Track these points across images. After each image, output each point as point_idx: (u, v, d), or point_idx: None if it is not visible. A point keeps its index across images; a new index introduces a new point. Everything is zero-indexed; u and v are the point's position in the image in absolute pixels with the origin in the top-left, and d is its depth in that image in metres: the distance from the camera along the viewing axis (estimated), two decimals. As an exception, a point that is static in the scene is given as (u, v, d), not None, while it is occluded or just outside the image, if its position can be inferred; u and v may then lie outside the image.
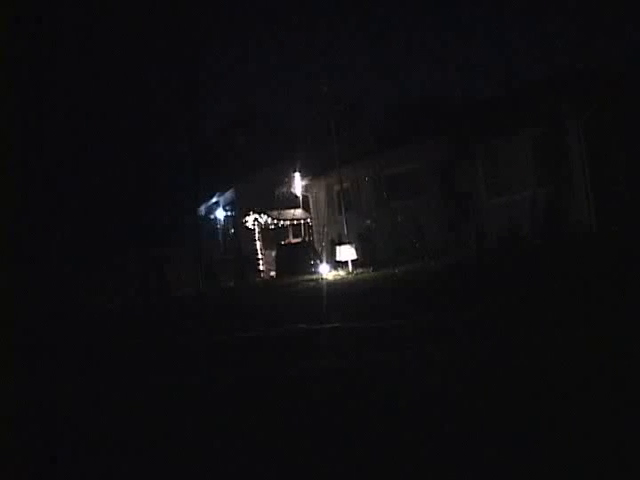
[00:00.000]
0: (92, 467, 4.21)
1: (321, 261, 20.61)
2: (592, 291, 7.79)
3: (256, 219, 23.86)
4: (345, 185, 21.83)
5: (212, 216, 29.48)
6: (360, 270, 17.95)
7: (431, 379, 5.12)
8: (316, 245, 23.49)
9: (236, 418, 4.86)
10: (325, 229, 23.49)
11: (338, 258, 19.31)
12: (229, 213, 27.94)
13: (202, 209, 30.05)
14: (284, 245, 23.61)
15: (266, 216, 23.94)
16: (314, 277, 18.36)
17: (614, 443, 3.34)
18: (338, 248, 19.72)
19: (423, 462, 3.48)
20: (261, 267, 23.76)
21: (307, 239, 24.36)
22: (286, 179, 24.88)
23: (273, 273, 23.11)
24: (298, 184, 24.88)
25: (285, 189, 24.99)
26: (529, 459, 3.30)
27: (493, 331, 6.56)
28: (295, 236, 24.95)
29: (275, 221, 24.11)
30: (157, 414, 5.35)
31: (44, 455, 4.60)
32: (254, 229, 24.02)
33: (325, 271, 18.74)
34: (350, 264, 18.63)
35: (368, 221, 20.78)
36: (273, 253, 23.41)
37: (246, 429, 4.51)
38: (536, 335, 6.02)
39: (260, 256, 23.84)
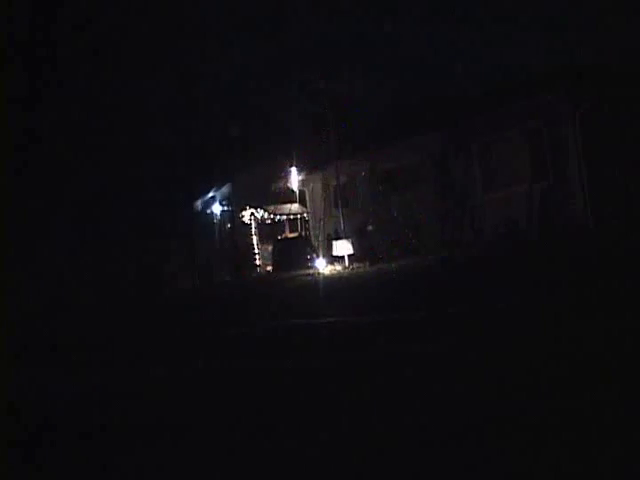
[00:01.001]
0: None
1: (317, 256, 20.61)
2: (588, 287, 7.79)
3: (253, 214, 23.81)
4: (342, 180, 21.81)
5: (208, 211, 29.41)
6: (357, 265, 17.97)
7: (425, 377, 5.12)
8: (312, 240, 23.48)
9: (230, 414, 4.86)
10: (322, 224, 23.47)
11: (335, 253, 19.32)
12: (225, 208, 27.87)
13: (198, 204, 29.99)
14: (281, 240, 23.59)
15: (263, 211, 23.90)
16: (310, 272, 18.39)
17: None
18: (335, 243, 19.71)
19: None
20: (257, 262, 23.73)
21: (304, 234, 24.34)
22: (283, 174, 24.82)
23: (269, 268, 23.11)
24: (295, 179, 24.84)
25: (282, 184, 24.93)
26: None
27: (488, 328, 6.56)
28: (292, 231, 24.92)
29: (272, 216, 24.07)
30: (151, 405, 5.35)
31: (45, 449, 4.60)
32: (251, 224, 23.97)
33: (321, 266, 18.74)
34: (346, 259, 18.64)
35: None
36: (270, 248, 23.40)
37: (238, 427, 4.51)
38: (531, 331, 6.03)
39: (257, 251, 23.81)
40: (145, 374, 6.89)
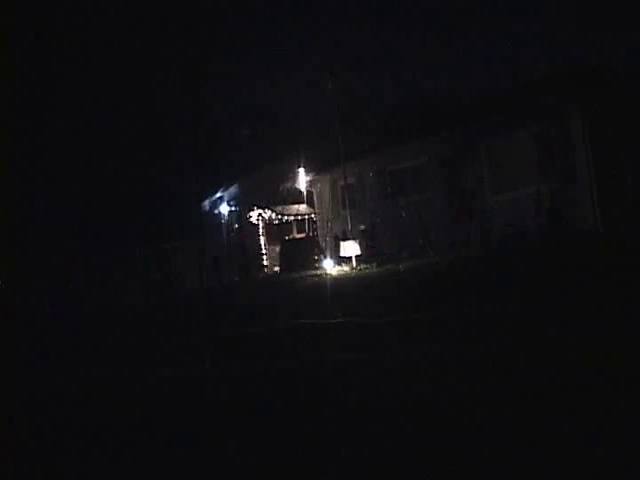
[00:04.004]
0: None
1: (325, 256, 20.64)
2: (596, 290, 7.79)
3: (260, 214, 23.85)
4: (349, 180, 21.82)
5: (216, 211, 29.48)
6: (364, 266, 17.96)
7: (428, 377, 5.15)
8: (320, 240, 23.50)
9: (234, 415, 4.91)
10: (329, 224, 23.49)
11: (342, 254, 19.31)
12: (233, 208, 27.94)
13: (206, 204, 30.08)
14: (288, 240, 23.61)
15: (270, 211, 23.93)
16: (318, 272, 18.38)
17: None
18: (342, 244, 19.71)
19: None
20: (265, 262, 23.77)
21: (311, 234, 24.36)
22: (290, 174, 24.86)
23: (277, 268, 23.13)
24: (302, 179, 24.87)
25: (289, 184, 24.97)
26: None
27: (494, 329, 6.58)
28: (299, 231, 24.93)
29: (279, 216, 24.10)
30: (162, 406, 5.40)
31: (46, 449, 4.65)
32: (258, 224, 24.02)
33: (329, 266, 18.74)
34: (354, 260, 18.63)
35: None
36: (277, 248, 23.42)
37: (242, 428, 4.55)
38: (536, 334, 6.04)
39: (264, 251, 23.85)
40: (152, 372, 6.93)
